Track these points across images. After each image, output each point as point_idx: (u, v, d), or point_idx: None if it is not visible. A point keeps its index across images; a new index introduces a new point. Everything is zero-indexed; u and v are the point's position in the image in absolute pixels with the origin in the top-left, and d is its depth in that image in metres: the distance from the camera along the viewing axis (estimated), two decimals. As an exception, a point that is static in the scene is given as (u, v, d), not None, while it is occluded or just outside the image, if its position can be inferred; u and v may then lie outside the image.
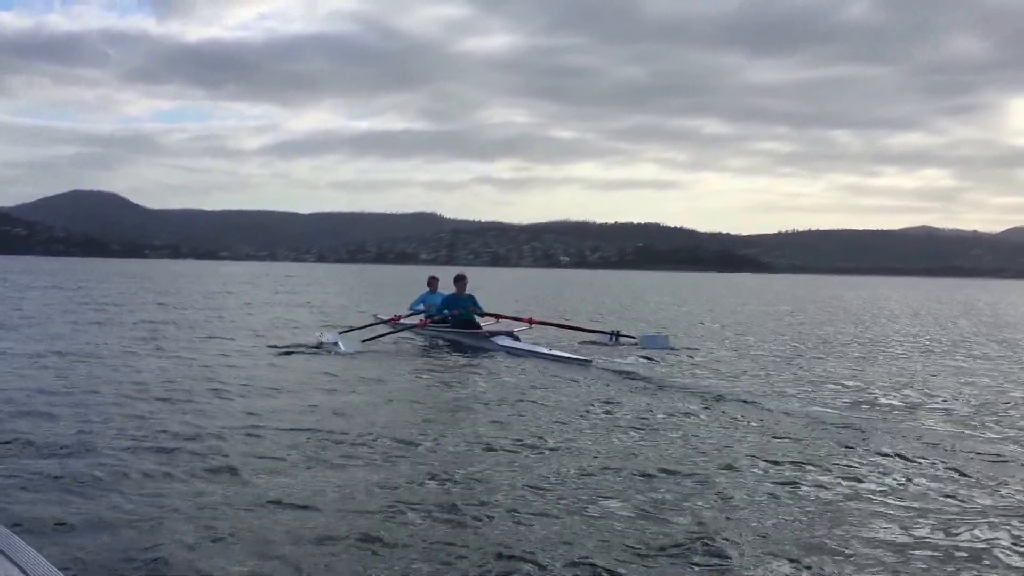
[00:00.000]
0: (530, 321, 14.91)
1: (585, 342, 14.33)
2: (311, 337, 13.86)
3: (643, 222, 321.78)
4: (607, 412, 7.90)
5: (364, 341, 13.07)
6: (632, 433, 6.96)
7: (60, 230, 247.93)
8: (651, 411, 7.99)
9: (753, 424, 7.44)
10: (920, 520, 4.74)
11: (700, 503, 4.96)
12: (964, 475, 5.72)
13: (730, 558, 4.08)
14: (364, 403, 8.26)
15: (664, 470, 5.66)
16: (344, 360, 11.47)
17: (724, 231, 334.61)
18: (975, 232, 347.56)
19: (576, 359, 11.60)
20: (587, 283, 69.24)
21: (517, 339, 13.35)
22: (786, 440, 6.75)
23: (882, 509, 4.92)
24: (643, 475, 5.55)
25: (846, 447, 6.52)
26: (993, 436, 7.14)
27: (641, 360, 11.94)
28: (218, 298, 29.73)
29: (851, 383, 10.23)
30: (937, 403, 8.89)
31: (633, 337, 14.34)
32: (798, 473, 5.70)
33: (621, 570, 3.92)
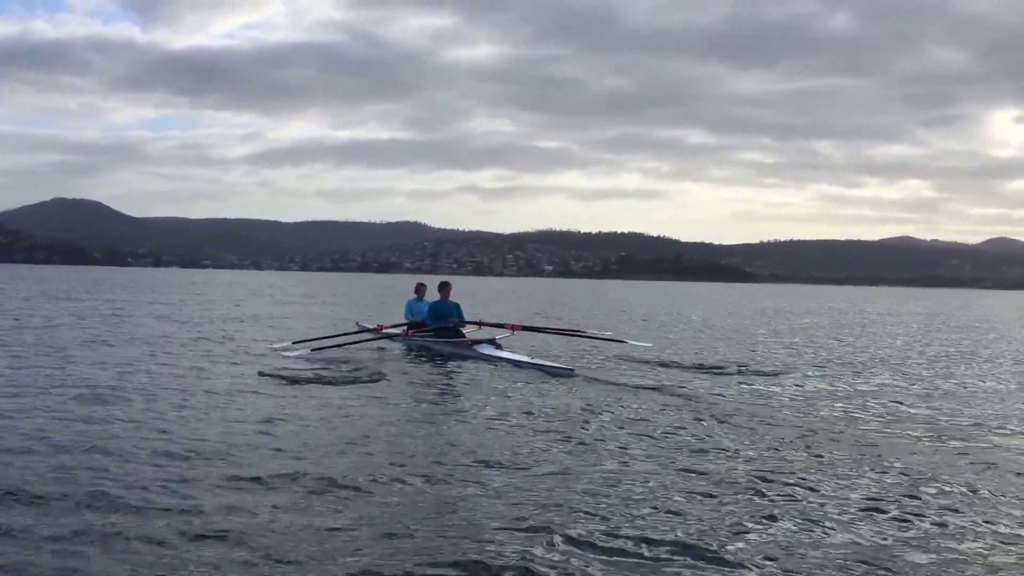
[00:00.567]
0: (513, 328, 15.38)
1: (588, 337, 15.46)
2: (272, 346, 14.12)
3: (627, 231, 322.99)
4: (585, 421, 8.09)
5: (315, 350, 13.37)
6: (610, 443, 7.06)
7: (43, 238, 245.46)
8: (630, 419, 8.25)
9: (730, 432, 7.73)
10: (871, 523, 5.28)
11: (683, 514, 5.10)
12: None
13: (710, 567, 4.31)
14: (331, 415, 8.18)
15: (649, 482, 5.79)
16: (315, 370, 11.44)
17: (707, 240, 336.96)
18: (955, 243, 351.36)
19: (557, 368, 11.82)
20: (571, 292, 69.55)
21: (499, 347, 13.55)
22: (766, 450, 7.03)
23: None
24: (624, 487, 5.68)
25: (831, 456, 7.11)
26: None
27: (623, 365, 12.42)
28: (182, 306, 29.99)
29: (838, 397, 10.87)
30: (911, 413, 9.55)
31: (621, 340, 14.60)
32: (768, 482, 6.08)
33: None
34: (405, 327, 15.11)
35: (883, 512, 5.25)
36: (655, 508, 5.24)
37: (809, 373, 12.82)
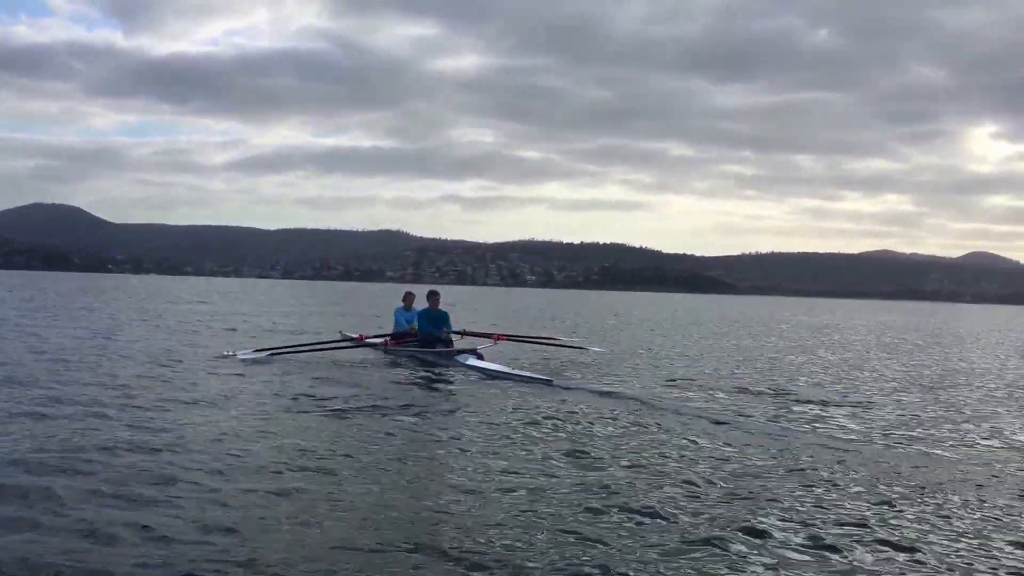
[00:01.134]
0: (497, 337, 15.45)
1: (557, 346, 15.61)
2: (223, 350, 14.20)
3: (609, 242, 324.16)
4: (560, 430, 8.18)
5: (295, 350, 13.75)
6: (581, 457, 7.05)
7: (21, 243, 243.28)
8: (604, 426, 8.38)
9: (705, 441, 7.82)
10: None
11: (657, 524, 5.17)
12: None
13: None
14: (303, 424, 8.16)
15: (628, 493, 5.84)
16: (293, 378, 11.47)
17: (688, 252, 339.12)
18: (935, 257, 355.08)
19: (537, 379, 11.85)
20: (557, 302, 69.90)
21: (481, 357, 13.59)
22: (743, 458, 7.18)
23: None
24: (591, 499, 5.67)
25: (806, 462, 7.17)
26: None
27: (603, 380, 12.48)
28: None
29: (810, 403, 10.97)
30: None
31: (583, 348, 15.65)
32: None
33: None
34: (387, 337, 15.10)
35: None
36: (628, 510, 5.31)
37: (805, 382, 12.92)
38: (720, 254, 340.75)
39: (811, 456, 7.30)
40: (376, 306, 41.24)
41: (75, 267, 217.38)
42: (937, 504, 5.81)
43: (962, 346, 26.80)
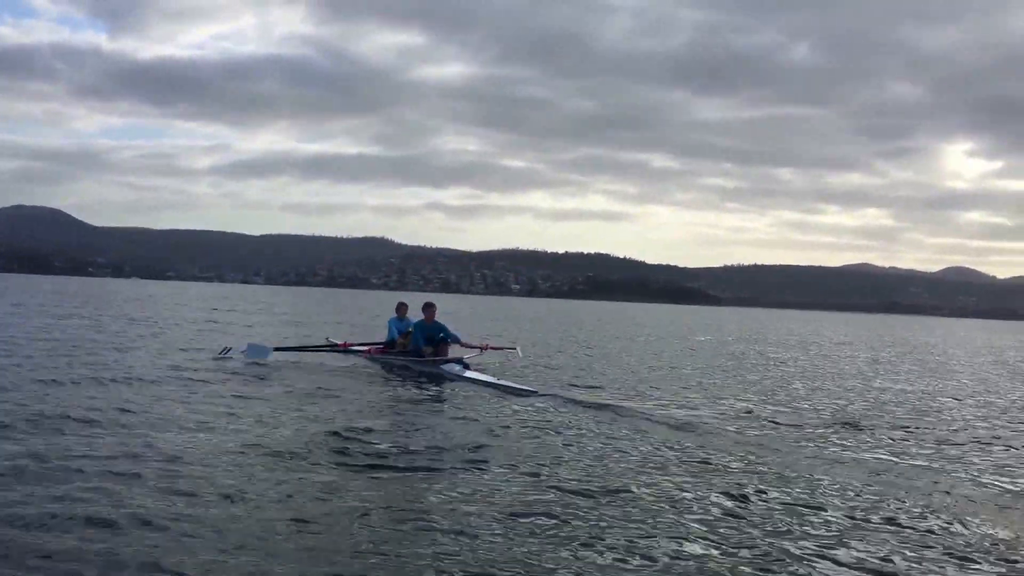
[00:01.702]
0: (483, 347, 15.63)
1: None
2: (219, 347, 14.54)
3: (592, 252, 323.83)
4: (544, 439, 8.36)
5: (277, 350, 14.02)
6: (568, 458, 7.37)
7: (1, 245, 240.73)
8: (590, 436, 8.60)
9: (689, 449, 8.10)
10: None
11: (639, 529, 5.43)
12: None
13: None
14: (283, 428, 8.27)
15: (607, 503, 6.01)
16: (276, 380, 11.73)
17: (671, 263, 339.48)
18: (913, 271, 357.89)
19: (521, 389, 12.00)
20: (553, 312, 69.74)
21: (467, 367, 13.70)
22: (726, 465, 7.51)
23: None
24: (570, 505, 5.96)
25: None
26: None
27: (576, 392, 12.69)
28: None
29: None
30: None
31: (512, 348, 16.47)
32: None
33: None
34: (371, 346, 15.25)
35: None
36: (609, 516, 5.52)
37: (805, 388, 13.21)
38: (702, 265, 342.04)
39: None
40: (368, 313, 40.94)
41: (56, 270, 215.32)
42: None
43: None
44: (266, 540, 4.94)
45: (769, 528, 5.62)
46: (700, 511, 5.99)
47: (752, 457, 8.01)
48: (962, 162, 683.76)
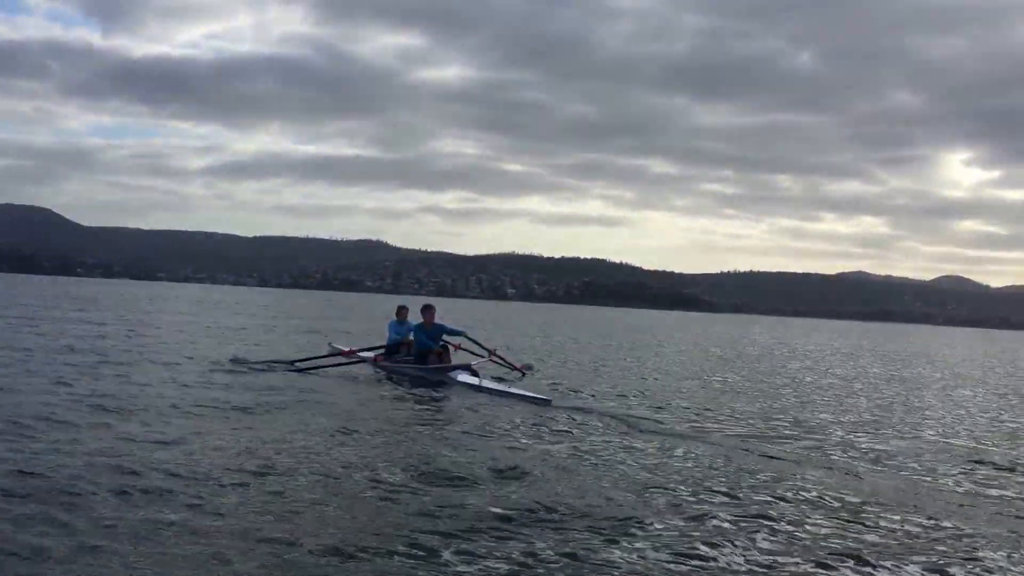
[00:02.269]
0: (491, 354, 15.10)
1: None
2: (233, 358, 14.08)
3: (589, 257, 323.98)
4: (562, 451, 7.88)
5: (298, 363, 13.59)
6: (586, 471, 6.99)
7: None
8: (606, 450, 8.07)
9: (706, 459, 7.56)
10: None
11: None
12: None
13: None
14: (289, 439, 7.89)
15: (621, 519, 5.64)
16: (275, 391, 11.09)
17: (668, 269, 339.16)
18: (908, 279, 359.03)
19: (535, 398, 11.45)
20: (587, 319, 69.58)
21: (476, 374, 13.13)
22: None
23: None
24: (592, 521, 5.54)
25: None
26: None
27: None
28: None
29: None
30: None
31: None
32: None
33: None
34: (377, 352, 14.65)
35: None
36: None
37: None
38: (699, 271, 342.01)
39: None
40: (365, 316, 40.46)
41: (44, 270, 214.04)
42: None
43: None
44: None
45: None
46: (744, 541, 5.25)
47: (812, 486, 7.27)
48: (959, 171, 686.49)
